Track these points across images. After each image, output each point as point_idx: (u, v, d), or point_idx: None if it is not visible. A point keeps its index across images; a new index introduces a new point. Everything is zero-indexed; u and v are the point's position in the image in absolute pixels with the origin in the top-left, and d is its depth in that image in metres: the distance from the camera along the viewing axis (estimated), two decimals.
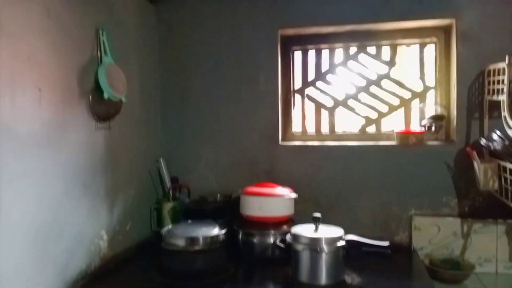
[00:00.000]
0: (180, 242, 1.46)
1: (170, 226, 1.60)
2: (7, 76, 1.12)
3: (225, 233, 1.54)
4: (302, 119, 2.08)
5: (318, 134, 2.05)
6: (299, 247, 1.42)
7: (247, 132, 1.99)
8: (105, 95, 1.50)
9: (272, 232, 1.65)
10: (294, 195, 1.70)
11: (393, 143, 1.89)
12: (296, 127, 2.08)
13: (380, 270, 1.52)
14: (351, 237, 1.45)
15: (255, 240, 1.66)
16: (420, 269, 1.57)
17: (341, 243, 1.40)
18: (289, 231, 1.51)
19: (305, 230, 1.46)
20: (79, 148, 1.44)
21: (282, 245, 1.51)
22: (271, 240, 1.64)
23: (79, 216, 1.44)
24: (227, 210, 1.84)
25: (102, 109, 1.56)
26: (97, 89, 1.50)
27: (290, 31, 1.98)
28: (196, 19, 2.02)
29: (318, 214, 1.47)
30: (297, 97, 2.09)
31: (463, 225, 1.74)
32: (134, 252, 1.78)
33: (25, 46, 1.20)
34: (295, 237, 1.44)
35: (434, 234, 1.77)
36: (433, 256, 1.71)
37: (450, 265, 1.65)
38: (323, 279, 1.39)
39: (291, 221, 1.74)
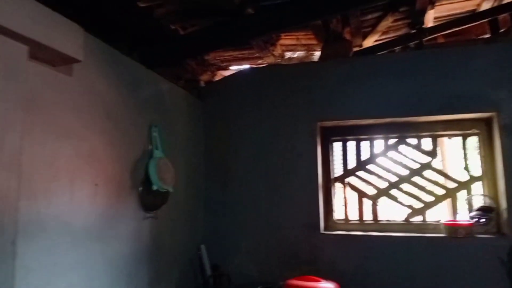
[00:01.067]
0: None
1: None
2: (68, 174, 1.23)
3: None
4: (344, 207, 2.07)
5: (361, 223, 2.02)
6: None
7: (287, 220, 2.00)
8: (154, 187, 1.58)
9: None
10: None
11: (441, 234, 1.82)
12: (338, 215, 2.06)
13: None
14: None
15: None
16: None
17: None
18: None
19: None
20: (126, 239, 1.50)
21: None
22: None
23: None
24: None
25: (150, 200, 1.63)
26: (147, 181, 1.59)
27: (329, 123, 2.05)
28: (239, 111, 2.15)
29: None
30: (338, 186, 2.10)
31: None
32: None
33: (86, 144, 1.32)
34: None
35: None
36: None
37: None
38: None
39: None
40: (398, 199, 2.00)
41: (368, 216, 2.03)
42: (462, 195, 1.92)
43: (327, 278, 1.73)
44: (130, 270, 1.51)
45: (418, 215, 1.96)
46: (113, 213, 1.43)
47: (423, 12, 1.97)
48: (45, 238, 1.13)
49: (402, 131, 2.01)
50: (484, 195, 1.87)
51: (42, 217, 1.13)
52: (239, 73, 2.33)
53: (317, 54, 2.37)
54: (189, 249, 1.98)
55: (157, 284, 1.69)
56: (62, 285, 1.18)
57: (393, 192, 2.01)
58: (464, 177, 1.93)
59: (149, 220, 1.65)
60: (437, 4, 1.97)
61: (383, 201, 2.02)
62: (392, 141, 2.04)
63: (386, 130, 2.03)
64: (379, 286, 1.82)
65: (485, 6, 2.03)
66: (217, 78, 2.51)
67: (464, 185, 1.92)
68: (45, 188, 1.14)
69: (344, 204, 2.08)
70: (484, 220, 1.80)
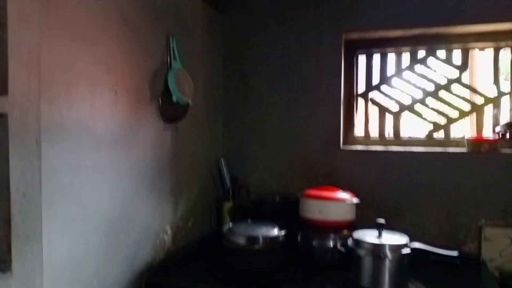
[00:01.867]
0: (241, 241, 1.50)
1: (230, 225, 1.64)
2: (87, 80, 1.23)
3: (284, 234, 1.55)
4: (365, 123, 2.05)
5: (382, 139, 2.00)
6: (362, 252, 1.39)
7: (308, 135, 1.99)
8: (174, 98, 1.57)
9: (332, 236, 1.63)
10: (356, 200, 1.67)
11: (463, 150, 1.80)
12: (359, 131, 2.05)
13: (447, 282, 1.46)
14: (417, 245, 1.40)
15: (315, 243, 1.65)
16: (491, 282, 1.48)
17: (406, 250, 1.36)
18: (349, 236, 1.50)
19: (368, 235, 1.43)
20: (148, 147, 1.53)
21: (343, 249, 1.49)
22: (331, 243, 1.63)
23: (147, 211, 1.53)
24: (286, 212, 1.85)
25: (170, 111, 1.64)
26: (167, 92, 1.58)
27: (355, 35, 1.96)
28: (260, 24, 2.06)
29: (382, 220, 1.44)
30: (361, 101, 2.05)
31: None
32: (196, 248, 1.84)
33: (104, 51, 1.30)
34: (358, 242, 1.42)
35: (506, 246, 1.65)
36: (504, 269, 1.61)
37: None
38: (386, 286, 1.35)
39: (352, 226, 1.71)
40: (422, 115, 1.95)
41: (389, 133, 2.01)
42: (488, 110, 1.86)
43: (344, 189, 1.76)
44: (152, 176, 1.56)
45: (441, 130, 1.92)
46: (134, 121, 1.45)
47: None
48: (68, 140, 1.16)
49: (431, 44, 1.90)
50: (511, 111, 1.81)
51: (64, 120, 1.14)
52: None
53: None
54: (209, 161, 2.03)
55: (178, 192, 1.75)
56: (87, 186, 1.23)
57: (417, 107, 1.95)
58: (492, 92, 1.85)
59: (170, 132, 1.67)
60: None
61: (406, 117, 1.98)
62: (420, 55, 1.94)
63: (414, 42, 1.92)
64: (397, 196, 1.85)
65: None
66: None
67: (492, 101, 1.85)
68: (66, 91, 1.14)
69: (366, 121, 2.05)
70: (509, 135, 1.76)
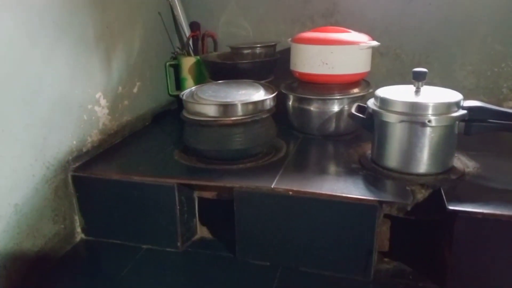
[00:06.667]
0: (210, 111, 0.98)
1: (194, 88, 1.10)
2: None
3: (272, 98, 1.04)
4: None
5: None
6: (392, 117, 0.91)
7: None
8: None
9: (338, 96, 1.15)
10: (375, 43, 1.14)
11: None
12: None
13: (508, 154, 1.04)
14: (474, 103, 0.93)
15: (313, 107, 1.17)
16: None
17: (460, 112, 0.89)
18: (363, 95, 1.06)
19: (400, 93, 0.94)
20: None
21: (360, 114, 1.01)
22: (336, 108, 1.15)
23: (54, 71, 0.95)
24: (270, 66, 1.32)
25: None
26: None
27: None
28: None
29: (422, 69, 0.93)
30: None
31: None
32: (148, 122, 1.34)
33: None
34: (385, 102, 0.93)
35: None
36: None
37: None
38: (423, 165, 0.92)
39: (364, 83, 1.22)
40: None
41: None
42: None
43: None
44: (58, 16, 0.94)
45: None
46: None
47: None
48: None
49: None
50: None
51: None
52: None
53: None
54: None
55: (110, 43, 1.15)
56: None
57: None
58: None
59: None
60: None
61: None
62: None
63: None
64: (421, 40, 1.33)
65: None
66: None
67: None
68: None
69: None
70: None
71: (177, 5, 1.43)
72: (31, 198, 0.89)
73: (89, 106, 1.08)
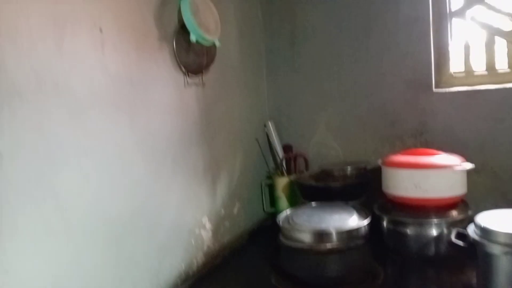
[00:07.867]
0: (306, 238, 1.02)
1: (288, 212, 1.17)
2: (46, 9, 0.76)
3: (368, 224, 1.06)
4: (466, 53, 1.45)
5: (492, 74, 1.40)
6: (496, 249, 0.87)
7: (384, 77, 1.45)
8: (192, 37, 1.09)
9: (435, 220, 1.12)
10: (470, 165, 1.14)
11: None
12: (456, 65, 1.45)
13: None
14: None
15: (410, 231, 1.15)
16: None
17: None
18: (463, 219, 1.06)
19: (503, 220, 0.91)
20: (164, 111, 1.07)
21: (461, 242, 0.98)
22: (434, 232, 1.12)
23: (171, 201, 1.09)
24: (362, 188, 1.35)
25: (191, 58, 1.16)
26: (183, 31, 1.11)
27: None
28: None
29: None
30: (456, 22, 1.45)
31: None
32: (246, 241, 1.41)
33: None
34: (487, 232, 0.90)
35: None
36: None
37: None
38: None
39: (462, 203, 1.19)
40: None
41: (502, 64, 1.40)
42: None
43: (444, 151, 1.22)
44: (175, 153, 1.11)
45: None
46: (137, 73, 0.98)
47: None
48: (25, 107, 0.72)
49: None
50: None
51: (11, 73, 0.70)
52: None
53: None
54: (253, 127, 1.55)
55: (215, 171, 1.30)
56: (65, 177, 0.79)
57: None
58: None
59: (194, 88, 1.20)
60: None
61: None
62: None
63: None
64: None
65: None
66: None
67: None
68: (7, 27, 0.69)
69: (466, 49, 1.45)
70: None
71: (272, 131, 1.58)
72: None
73: (196, 231, 1.19)
